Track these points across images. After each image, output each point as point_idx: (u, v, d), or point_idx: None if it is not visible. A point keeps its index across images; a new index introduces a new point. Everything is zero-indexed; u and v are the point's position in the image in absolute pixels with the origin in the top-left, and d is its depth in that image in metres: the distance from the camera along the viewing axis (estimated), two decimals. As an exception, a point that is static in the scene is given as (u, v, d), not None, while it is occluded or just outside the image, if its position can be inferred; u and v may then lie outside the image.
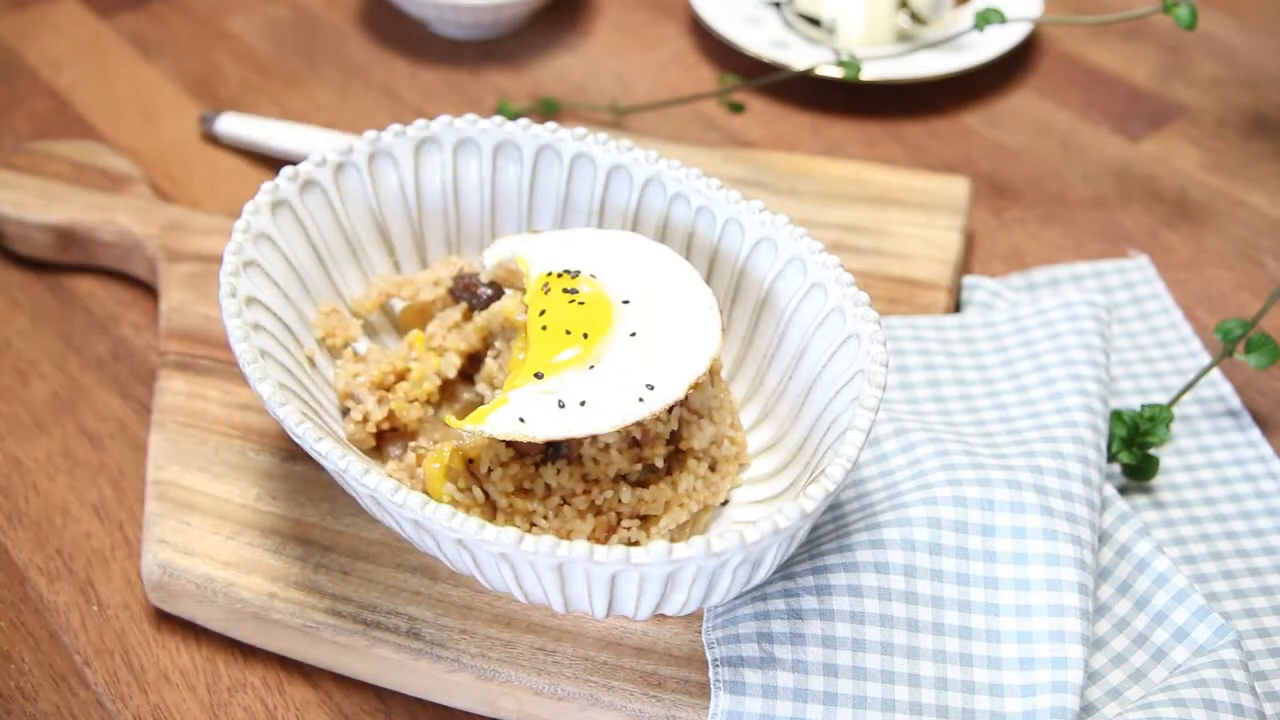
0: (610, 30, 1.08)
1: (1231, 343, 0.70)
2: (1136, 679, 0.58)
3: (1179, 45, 1.05)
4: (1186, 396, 0.73)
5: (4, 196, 0.83)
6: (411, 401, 0.63)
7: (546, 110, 0.95)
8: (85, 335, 0.80)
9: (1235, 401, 0.73)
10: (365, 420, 0.62)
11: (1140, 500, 0.68)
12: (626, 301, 0.59)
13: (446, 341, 0.64)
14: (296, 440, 0.53)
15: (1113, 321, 0.76)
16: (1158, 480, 0.69)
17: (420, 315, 0.68)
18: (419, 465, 0.60)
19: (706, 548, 0.48)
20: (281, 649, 0.61)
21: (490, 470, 0.58)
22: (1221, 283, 0.83)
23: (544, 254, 0.62)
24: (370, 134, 0.66)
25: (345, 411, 0.64)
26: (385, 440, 0.64)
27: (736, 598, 0.57)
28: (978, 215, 0.88)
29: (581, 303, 0.58)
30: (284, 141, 0.91)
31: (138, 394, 0.76)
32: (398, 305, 0.69)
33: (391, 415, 0.62)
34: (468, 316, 0.65)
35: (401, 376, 0.64)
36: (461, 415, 0.63)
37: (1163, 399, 0.73)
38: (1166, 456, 0.70)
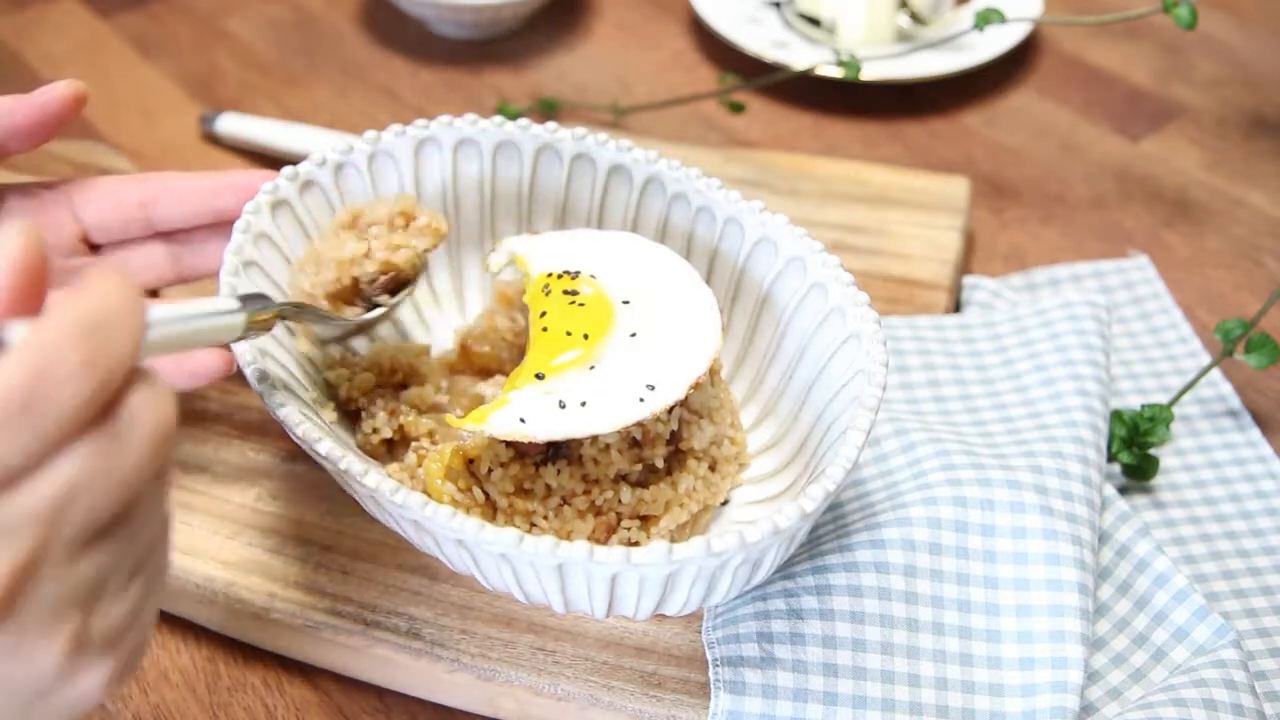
0: (610, 30, 1.08)
1: (1231, 343, 0.70)
2: (1136, 679, 0.58)
3: (1179, 45, 1.05)
4: (1186, 396, 0.73)
5: (4, 196, 0.83)
6: (422, 413, 0.63)
7: (546, 110, 0.95)
8: (85, 335, 0.80)
9: (1235, 401, 0.73)
10: (374, 433, 0.62)
11: (1140, 500, 0.68)
12: (626, 302, 0.59)
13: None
14: (296, 440, 0.53)
15: (1113, 321, 0.76)
16: (1158, 480, 0.69)
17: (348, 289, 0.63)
18: (419, 465, 0.60)
19: (706, 548, 0.48)
20: (281, 649, 0.61)
21: (490, 470, 0.58)
22: (1221, 283, 0.83)
23: (544, 255, 0.62)
24: (370, 134, 0.66)
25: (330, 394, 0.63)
26: (394, 445, 0.64)
27: (736, 598, 0.57)
28: (978, 215, 0.88)
29: (582, 304, 0.58)
30: (284, 141, 0.90)
31: (138, 394, 0.76)
32: None
33: (402, 430, 0.62)
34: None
35: (403, 384, 0.64)
36: (462, 415, 0.63)
37: (1163, 399, 0.73)
38: (1166, 456, 0.70)
